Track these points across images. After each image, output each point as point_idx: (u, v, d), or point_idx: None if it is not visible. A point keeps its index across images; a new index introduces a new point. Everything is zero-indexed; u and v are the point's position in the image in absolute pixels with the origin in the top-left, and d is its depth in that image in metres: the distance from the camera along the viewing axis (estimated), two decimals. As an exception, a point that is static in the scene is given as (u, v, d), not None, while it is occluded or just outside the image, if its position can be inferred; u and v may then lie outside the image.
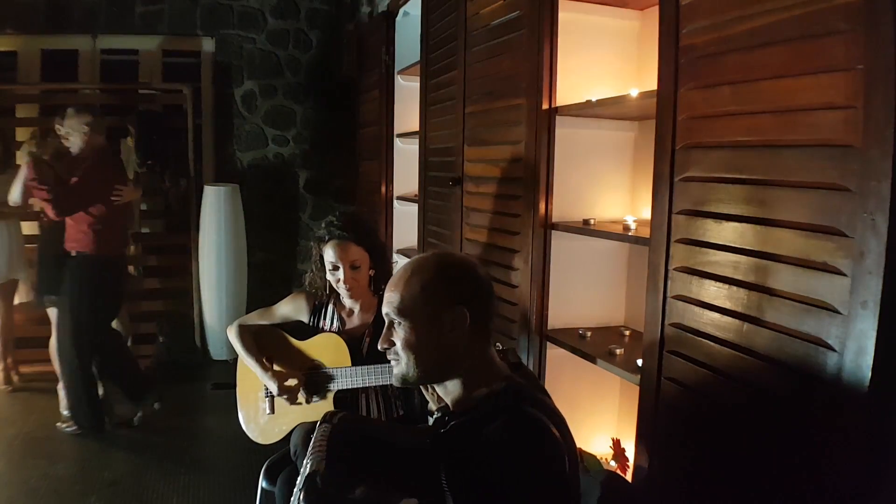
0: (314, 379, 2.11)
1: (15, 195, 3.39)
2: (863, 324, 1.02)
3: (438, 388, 1.29)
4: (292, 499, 1.23)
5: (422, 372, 1.24)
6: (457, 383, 1.24)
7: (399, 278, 1.26)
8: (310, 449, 1.24)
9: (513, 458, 1.07)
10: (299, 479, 1.22)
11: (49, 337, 3.66)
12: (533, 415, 1.13)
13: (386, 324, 1.27)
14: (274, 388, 2.11)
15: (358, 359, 2.08)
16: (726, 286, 1.30)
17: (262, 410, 2.20)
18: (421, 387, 1.74)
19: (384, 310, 1.27)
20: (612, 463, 1.95)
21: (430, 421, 1.59)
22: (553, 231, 2.02)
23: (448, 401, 1.28)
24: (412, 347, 1.22)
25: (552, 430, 1.11)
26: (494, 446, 1.09)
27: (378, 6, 4.05)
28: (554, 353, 2.05)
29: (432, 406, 1.68)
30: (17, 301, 4.04)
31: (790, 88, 1.16)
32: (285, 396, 2.12)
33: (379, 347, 1.29)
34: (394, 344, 1.25)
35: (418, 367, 1.23)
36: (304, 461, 1.24)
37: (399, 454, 1.25)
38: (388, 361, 2.05)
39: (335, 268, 2.06)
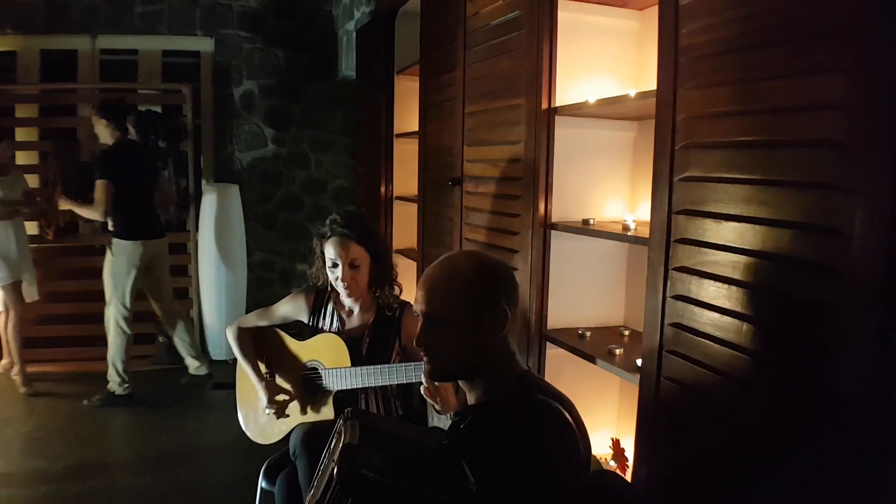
0: (313, 379, 2.11)
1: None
2: (862, 324, 1.02)
3: (463, 384, 1.31)
4: (322, 468, 1.21)
5: (459, 369, 1.27)
6: (484, 378, 1.27)
7: (438, 277, 1.25)
8: (333, 443, 1.23)
9: (525, 441, 1.11)
10: (333, 453, 1.19)
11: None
12: (546, 403, 1.18)
13: (422, 322, 1.26)
14: (264, 400, 2.13)
15: (357, 359, 2.08)
16: (726, 286, 1.30)
17: (262, 411, 2.20)
18: (422, 391, 1.73)
19: (422, 308, 1.25)
20: (612, 463, 1.95)
21: (431, 420, 1.59)
22: (552, 231, 2.02)
23: (472, 395, 1.30)
24: (453, 345, 1.23)
25: (566, 416, 1.16)
26: (510, 433, 1.13)
27: (377, 6, 4.04)
28: (553, 352, 2.05)
29: (436, 405, 1.67)
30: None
31: (789, 88, 1.16)
32: (273, 410, 2.13)
33: (415, 344, 1.28)
34: (432, 343, 1.24)
35: (457, 364, 1.25)
36: (325, 453, 1.23)
37: (421, 448, 1.26)
38: (387, 363, 2.05)
39: (334, 265, 2.06)
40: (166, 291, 4.14)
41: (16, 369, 3.94)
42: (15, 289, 3.91)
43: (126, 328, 3.87)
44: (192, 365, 4.14)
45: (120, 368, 3.86)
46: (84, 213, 3.89)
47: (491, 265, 1.30)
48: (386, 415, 2.13)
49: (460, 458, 1.14)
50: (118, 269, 3.83)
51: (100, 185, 3.66)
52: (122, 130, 3.83)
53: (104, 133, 3.80)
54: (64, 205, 3.87)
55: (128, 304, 3.85)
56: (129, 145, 3.90)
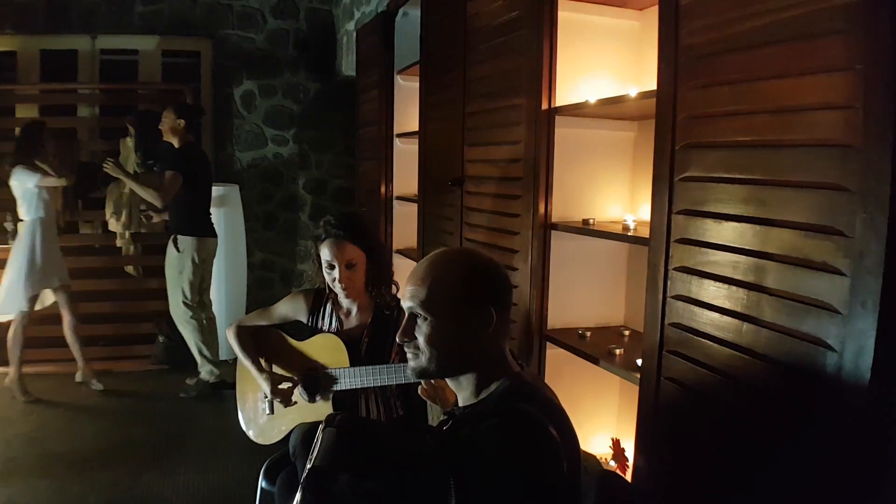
0: (312, 380, 2.11)
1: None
2: (862, 324, 1.02)
3: (451, 382, 1.29)
4: (297, 496, 1.21)
5: (440, 367, 1.24)
6: (470, 378, 1.25)
7: (425, 273, 1.23)
8: (315, 450, 1.22)
9: (502, 456, 1.07)
10: (302, 475, 1.20)
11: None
12: (528, 413, 1.13)
13: (406, 316, 1.24)
14: (267, 390, 2.11)
15: (356, 359, 2.08)
16: (726, 286, 1.30)
17: (262, 411, 2.20)
18: (419, 391, 1.73)
19: (407, 303, 1.23)
20: (612, 463, 1.95)
21: (431, 419, 1.58)
22: (553, 231, 2.02)
23: (460, 395, 1.28)
24: (435, 344, 1.21)
25: (547, 428, 1.10)
26: (486, 444, 1.09)
27: (377, 6, 4.05)
28: (553, 353, 2.05)
29: (435, 405, 1.67)
30: (37, 307, 3.94)
31: (790, 88, 1.16)
32: (278, 399, 2.12)
33: (398, 340, 1.26)
34: (414, 338, 1.22)
35: (438, 362, 1.22)
36: (308, 460, 1.23)
37: (403, 453, 1.24)
38: (386, 363, 2.03)
39: (331, 266, 2.05)
40: (206, 292, 4.18)
41: (11, 375, 3.83)
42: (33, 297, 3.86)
43: (195, 318, 3.98)
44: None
45: (207, 354, 3.98)
46: (144, 194, 3.91)
47: (480, 264, 1.27)
48: (386, 415, 2.13)
49: (443, 473, 1.09)
50: (184, 265, 3.92)
51: (170, 175, 3.78)
52: (193, 133, 3.97)
53: (176, 133, 3.89)
54: (115, 171, 3.86)
55: (191, 297, 3.96)
56: (195, 148, 4.03)
